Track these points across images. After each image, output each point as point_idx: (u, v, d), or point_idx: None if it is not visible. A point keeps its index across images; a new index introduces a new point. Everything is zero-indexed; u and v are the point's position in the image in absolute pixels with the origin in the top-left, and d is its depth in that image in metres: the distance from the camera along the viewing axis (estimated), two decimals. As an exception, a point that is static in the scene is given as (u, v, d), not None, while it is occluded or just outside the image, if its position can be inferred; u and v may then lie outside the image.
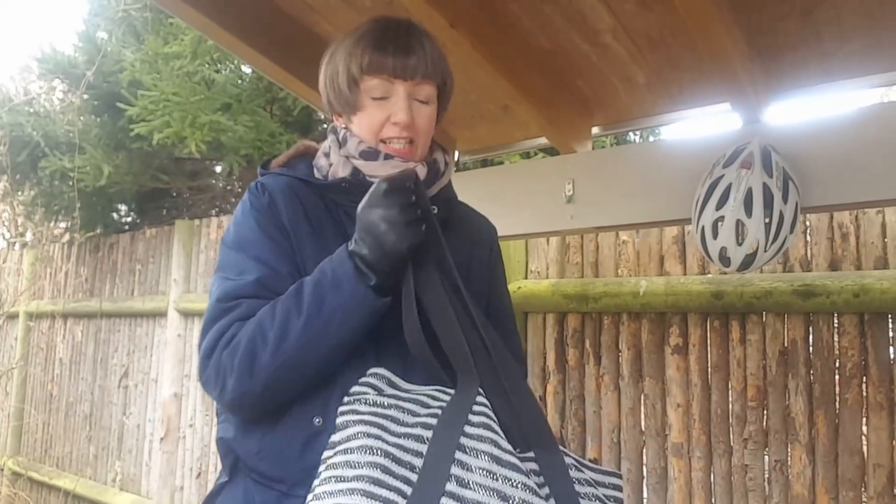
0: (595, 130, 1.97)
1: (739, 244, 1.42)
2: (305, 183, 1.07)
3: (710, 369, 2.11)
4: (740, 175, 1.43)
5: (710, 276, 2.12)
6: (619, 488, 0.96)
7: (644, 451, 2.23)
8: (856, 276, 1.86)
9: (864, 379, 1.87)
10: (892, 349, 1.85)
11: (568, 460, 0.93)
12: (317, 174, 1.09)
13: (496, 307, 1.18)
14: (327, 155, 1.09)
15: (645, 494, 2.21)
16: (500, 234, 2.00)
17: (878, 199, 1.45)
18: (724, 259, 1.45)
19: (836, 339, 1.92)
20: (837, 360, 1.92)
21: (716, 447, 2.07)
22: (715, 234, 1.45)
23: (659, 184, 1.68)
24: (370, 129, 1.04)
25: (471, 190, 2.10)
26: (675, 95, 1.76)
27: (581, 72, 1.74)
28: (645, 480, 2.22)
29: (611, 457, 2.28)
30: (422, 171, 1.04)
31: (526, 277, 2.54)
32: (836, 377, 1.91)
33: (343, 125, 1.09)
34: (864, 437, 1.87)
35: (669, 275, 2.21)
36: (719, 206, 1.45)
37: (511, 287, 2.48)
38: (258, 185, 1.06)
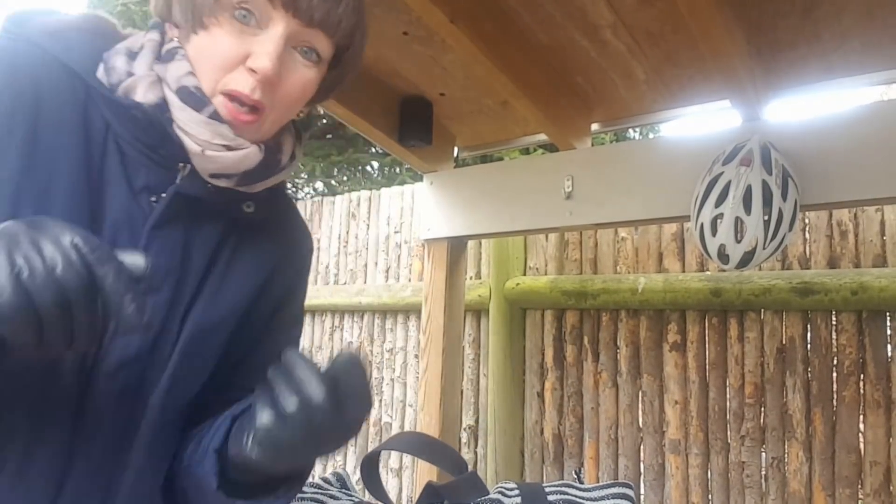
0: (594, 127, 1.97)
1: (738, 241, 1.42)
2: (77, 77, 0.71)
3: (707, 366, 2.11)
4: (739, 172, 1.43)
5: (708, 273, 2.12)
6: (628, 498, 0.95)
7: (641, 447, 2.23)
8: (854, 274, 1.86)
9: (862, 376, 1.88)
10: (889, 347, 1.85)
11: (573, 491, 0.92)
12: (101, 74, 0.72)
13: (272, 334, 0.87)
14: (132, 57, 0.73)
15: (642, 491, 2.21)
16: (499, 230, 2.03)
17: (878, 197, 1.46)
18: (723, 256, 1.45)
19: (833, 336, 1.93)
20: (835, 358, 1.92)
21: (713, 444, 2.08)
22: (714, 232, 1.45)
23: (658, 181, 1.68)
24: (213, 65, 0.69)
25: (470, 186, 2.12)
26: (674, 92, 1.76)
27: (581, 68, 1.74)
28: (642, 477, 2.22)
29: (608, 453, 2.28)
30: (254, 157, 0.72)
31: (524, 274, 2.53)
32: (834, 375, 1.92)
33: (176, 38, 0.73)
34: (861, 435, 1.87)
35: (668, 272, 2.21)
36: (718, 203, 1.45)
37: (510, 283, 2.48)
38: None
